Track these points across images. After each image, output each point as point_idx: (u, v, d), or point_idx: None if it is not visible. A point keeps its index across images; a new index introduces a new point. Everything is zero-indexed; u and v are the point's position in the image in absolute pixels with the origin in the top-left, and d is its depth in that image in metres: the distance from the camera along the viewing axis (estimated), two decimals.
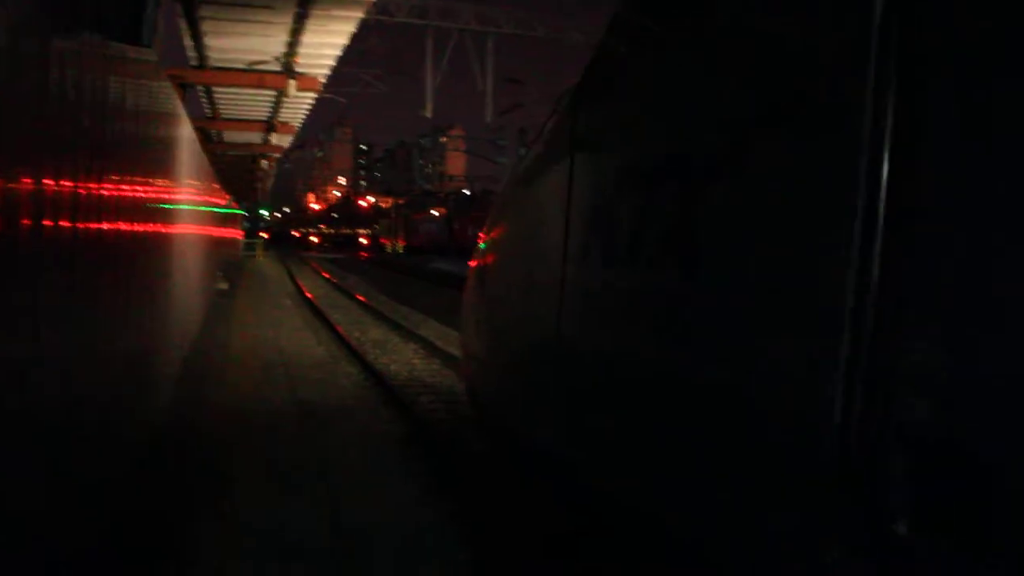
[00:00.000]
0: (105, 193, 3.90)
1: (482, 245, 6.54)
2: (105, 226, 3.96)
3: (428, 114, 29.56)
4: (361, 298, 23.60)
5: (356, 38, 11.27)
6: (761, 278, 2.57)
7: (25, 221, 2.56)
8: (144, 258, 5.86)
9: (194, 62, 12.41)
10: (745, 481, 2.55)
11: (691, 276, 3.01)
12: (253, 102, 16.00)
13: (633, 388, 3.45)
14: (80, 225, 3.35)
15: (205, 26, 10.36)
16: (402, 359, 12.82)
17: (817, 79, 2.40)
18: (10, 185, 2.41)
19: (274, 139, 20.95)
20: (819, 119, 2.35)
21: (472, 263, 6.89)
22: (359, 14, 10.34)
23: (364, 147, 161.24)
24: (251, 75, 13.04)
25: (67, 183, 3.07)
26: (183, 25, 10.53)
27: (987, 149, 1.83)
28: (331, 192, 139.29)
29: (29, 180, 2.60)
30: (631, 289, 3.58)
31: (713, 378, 2.77)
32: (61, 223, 3.02)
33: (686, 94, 3.23)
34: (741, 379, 2.60)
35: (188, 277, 10.86)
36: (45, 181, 2.78)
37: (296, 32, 10.58)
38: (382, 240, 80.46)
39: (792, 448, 2.33)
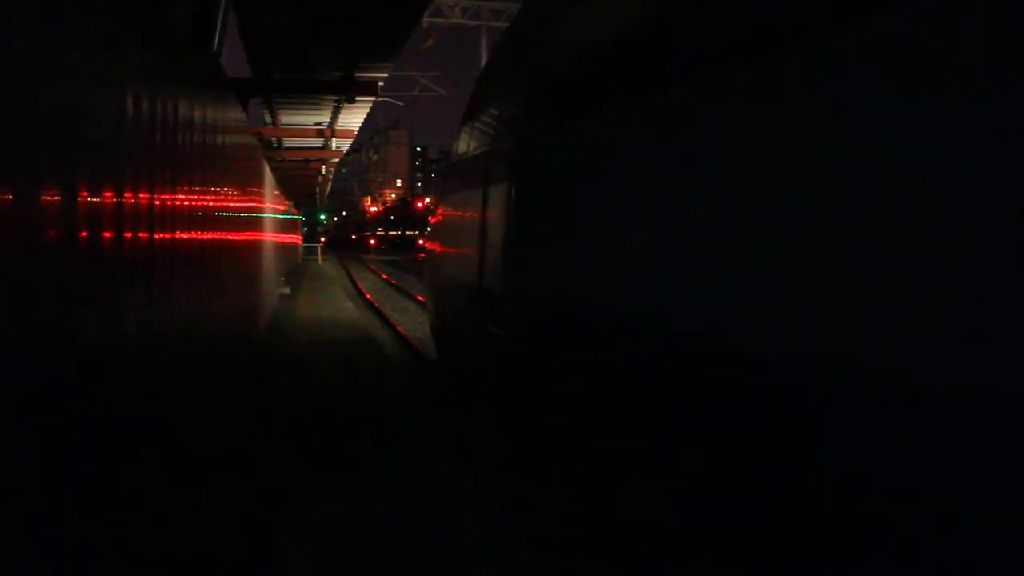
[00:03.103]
0: (229, 206, 6.49)
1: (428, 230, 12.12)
2: (227, 235, 6.32)
3: None
4: (421, 299, 23.80)
5: (412, 42, 11.39)
6: (466, 249, 7.69)
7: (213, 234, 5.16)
8: (244, 256, 8.92)
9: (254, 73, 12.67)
10: (467, 312, 7.67)
11: (457, 244, 8.39)
12: (312, 108, 16.24)
13: (452, 291, 8.47)
14: (218, 235, 5.32)
15: (268, 35, 10.58)
16: None
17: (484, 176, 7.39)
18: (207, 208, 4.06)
19: (333, 144, 21.24)
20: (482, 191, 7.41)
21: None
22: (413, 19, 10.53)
23: (420, 148, 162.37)
24: (311, 82, 13.28)
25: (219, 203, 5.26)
26: (242, 39, 10.76)
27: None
28: (388, 195, 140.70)
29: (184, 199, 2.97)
30: (446, 253, 9.11)
31: (460, 284, 7.79)
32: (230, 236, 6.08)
33: (455, 182, 8.85)
34: (468, 284, 7.42)
35: (268, 271, 14.01)
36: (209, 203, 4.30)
37: (352, 40, 10.73)
38: None
39: (479, 307, 7.05)
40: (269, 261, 15.38)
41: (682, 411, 3.75)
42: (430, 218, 11.36)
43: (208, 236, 5.09)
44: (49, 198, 1.97)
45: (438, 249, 9.93)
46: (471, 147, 8.47)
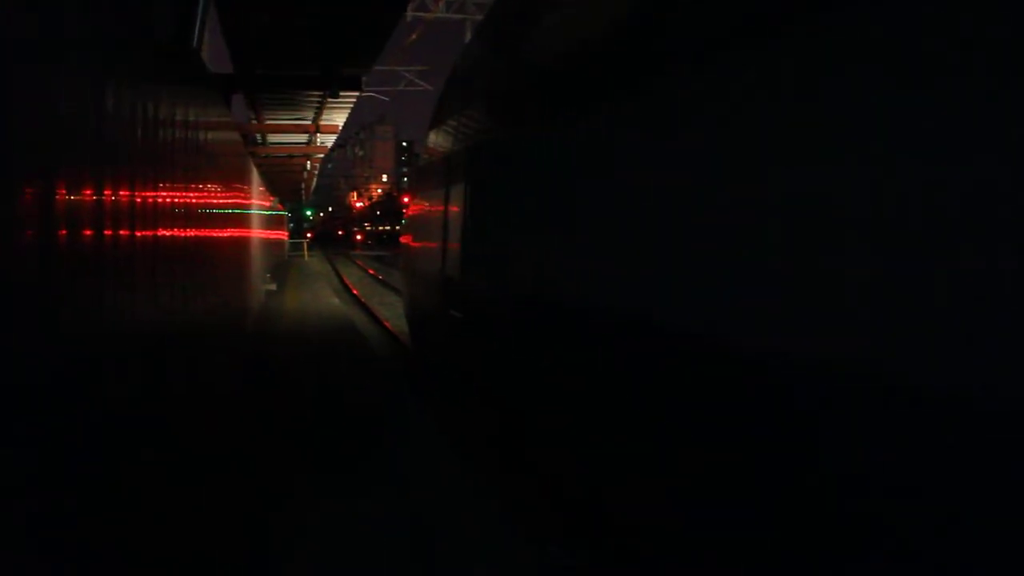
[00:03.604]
0: (220, 205, 6.85)
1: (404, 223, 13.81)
2: (212, 232, 6.55)
3: None
4: None
5: (396, 37, 11.36)
6: (431, 243, 9.24)
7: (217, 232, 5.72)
8: (229, 252, 9.17)
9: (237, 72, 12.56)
10: (433, 298, 9.13)
11: (424, 238, 9.98)
12: (295, 106, 16.12)
13: (422, 280, 9.84)
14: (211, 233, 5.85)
15: (251, 32, 10.48)
16: None
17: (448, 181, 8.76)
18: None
19: (317, 140, 21.12)
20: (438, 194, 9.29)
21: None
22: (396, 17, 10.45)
23: (405, 143, 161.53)
24: (295, 77, 13.18)
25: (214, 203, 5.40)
26: (224, 38, 10.67)
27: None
28: (374, 190, 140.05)
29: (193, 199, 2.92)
30: (416, 247, 10.56)
31: (428, 273, 9.34)
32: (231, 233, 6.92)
33: (423, 181, 10.60)
34: (434, 273, 8.95)
35: (254, 267, 14.64)
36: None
37: (335, 36, 10.64)
38: None
39: (442, 293, 8.57)
40: (255, 257, 15.31)
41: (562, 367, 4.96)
42: (404, 211, 13.04)
43: (192, 233, 5.05)
44: (29, 197, 1.95)
45: (410, 243, 11.40)
46: (437, 148, 9.69)
